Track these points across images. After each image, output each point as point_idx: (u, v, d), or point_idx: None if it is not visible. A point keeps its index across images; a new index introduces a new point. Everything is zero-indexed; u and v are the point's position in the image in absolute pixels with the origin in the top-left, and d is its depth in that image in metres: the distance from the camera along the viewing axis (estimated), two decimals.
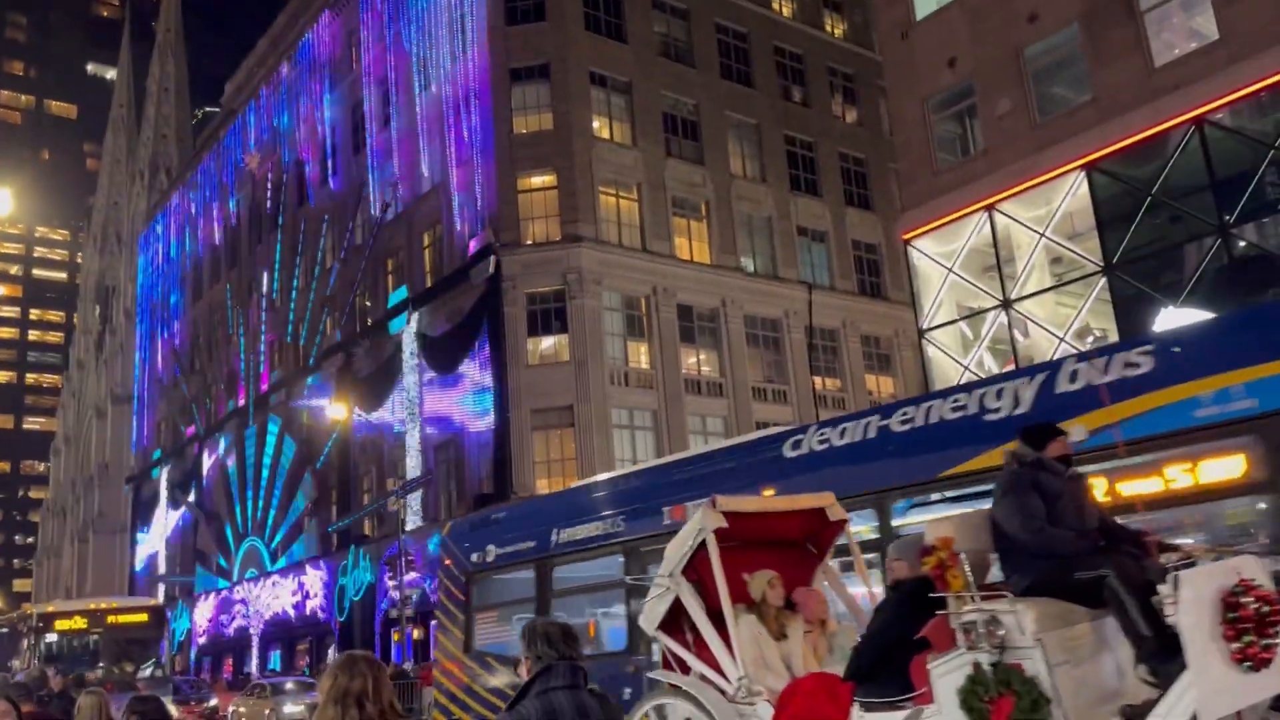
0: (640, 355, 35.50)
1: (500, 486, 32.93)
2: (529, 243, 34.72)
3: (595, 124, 36.38)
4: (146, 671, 21.17)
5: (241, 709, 25.33)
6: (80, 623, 20.71)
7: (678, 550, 5.58)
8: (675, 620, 5.65)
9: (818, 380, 39.07)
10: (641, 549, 9.36)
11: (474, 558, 10.75)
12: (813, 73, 43.13)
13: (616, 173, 36.14)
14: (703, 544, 5.43)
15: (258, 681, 28.91)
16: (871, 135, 44.17)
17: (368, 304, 42.10)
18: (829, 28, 45.19)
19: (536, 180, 35.57)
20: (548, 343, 34.56)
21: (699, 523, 5.47)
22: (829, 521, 6.13)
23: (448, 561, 11.11)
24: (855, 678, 5.05)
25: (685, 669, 5.53)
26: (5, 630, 24.74)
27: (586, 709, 3.32)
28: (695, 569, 5.53)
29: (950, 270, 22.26)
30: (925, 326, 22.68)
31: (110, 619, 21.01)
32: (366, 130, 42.71)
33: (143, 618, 21.95)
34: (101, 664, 20.23)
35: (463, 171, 36.39)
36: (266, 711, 23.85)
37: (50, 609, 21.61)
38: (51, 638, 20.25)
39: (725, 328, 37.18)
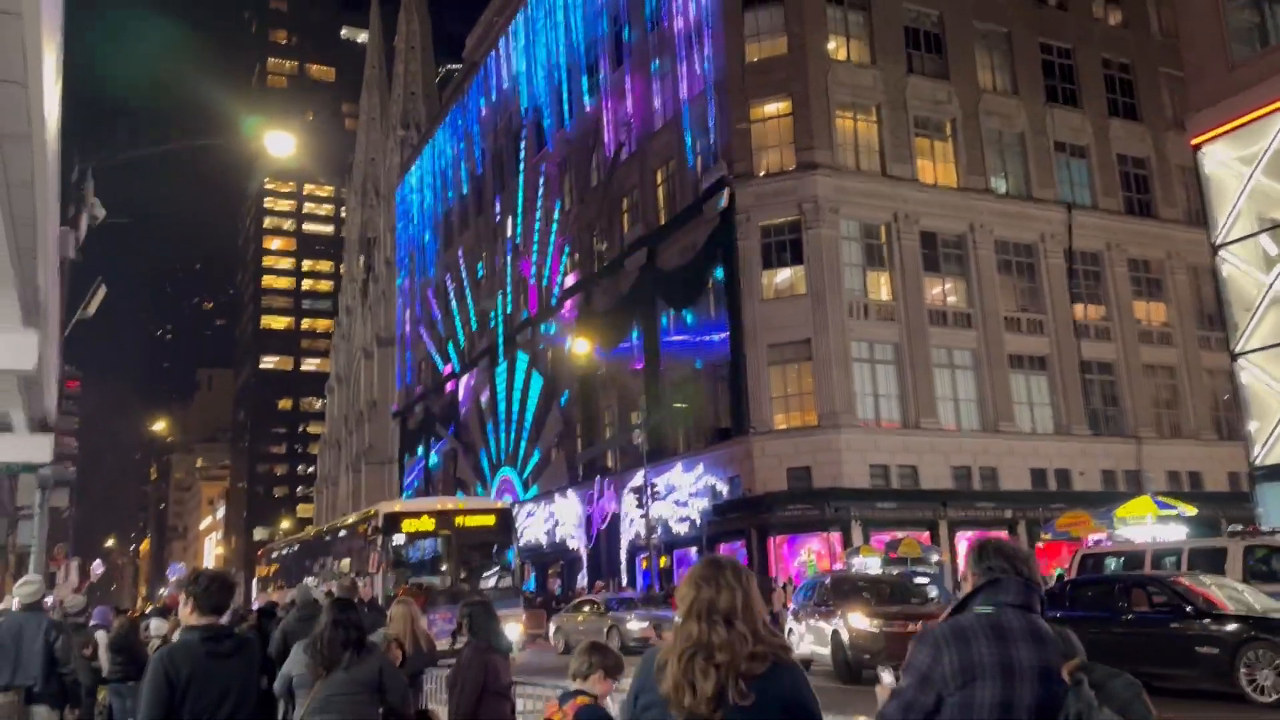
0: (880, 286, 34.20)
1: (738, 421, 33.00)
2: (762, 174, 34.05)
3: (831, 44, 34.93)
4: (490, 580, 18.98)
5: (564, 625, 24.60)
6: (428, 524, 18.86)
7: None
8: None
9: (1079, 308, 36.22)
10: None
11: None
12: None
13: (854, 94, 34.62)
14: None
15: (586, 598, 27.93)
16: (1138, 38, 39.86)
17: (603, 246, 43.01)
18: None
19: (770, 108, 34.71)
20: (783, 275, 33.95)
21: None
22: None
23: None
24: None
25: None
26: (343, 533, 23.26)
27: (1042, 634, 2.71)
28: None
29: (1251, 176, 19.65)
30: (1219, 241, 20.22)
31: (458, 520, 19.11)
32: (600, 70, 43.22)
33: (490, 520, 19.66)
34: (445, 570, 18.66)
35: (695, 105, 36.10)
36: (605, 629, 22.51)
37: (398, 508, 19.92)
38: (398, 540, 18.39)
39: (973, 254, 35.06)
